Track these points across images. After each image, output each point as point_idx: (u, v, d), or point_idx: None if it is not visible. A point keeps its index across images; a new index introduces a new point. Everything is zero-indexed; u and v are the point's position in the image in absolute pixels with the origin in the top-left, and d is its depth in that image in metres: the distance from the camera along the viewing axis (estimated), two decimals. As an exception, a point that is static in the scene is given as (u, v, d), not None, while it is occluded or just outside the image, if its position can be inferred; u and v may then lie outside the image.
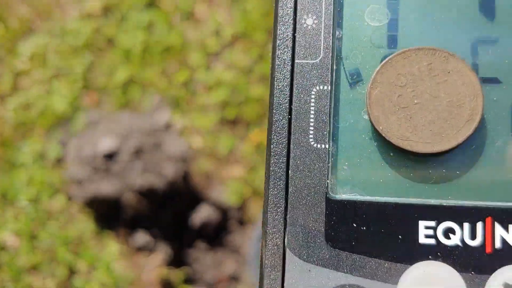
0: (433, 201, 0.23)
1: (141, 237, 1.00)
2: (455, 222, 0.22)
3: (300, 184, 0.23)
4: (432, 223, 0.22)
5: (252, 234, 0.97)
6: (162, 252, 0.99)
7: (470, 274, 0.22)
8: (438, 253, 0.22)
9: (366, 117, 0.24)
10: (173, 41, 1.08)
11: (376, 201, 0.23)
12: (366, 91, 0.24)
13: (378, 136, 0.23)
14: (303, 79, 0.24)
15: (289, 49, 0.24)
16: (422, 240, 0.22)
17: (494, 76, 0.24)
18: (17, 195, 1.02)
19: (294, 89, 0.24)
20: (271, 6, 0.27)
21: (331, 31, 0.24)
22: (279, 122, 0.24)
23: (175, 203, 1.01)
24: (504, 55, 0.24)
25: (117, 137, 1.01)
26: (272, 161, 0.24)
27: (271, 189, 0.23)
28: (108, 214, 1.01)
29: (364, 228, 0.23)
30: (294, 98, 0.24)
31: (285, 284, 0.23)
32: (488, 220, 0.22)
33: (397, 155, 0.23)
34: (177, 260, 0.99)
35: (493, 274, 0.22)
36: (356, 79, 0.24)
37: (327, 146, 0.24)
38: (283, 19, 0.25)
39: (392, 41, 0.24)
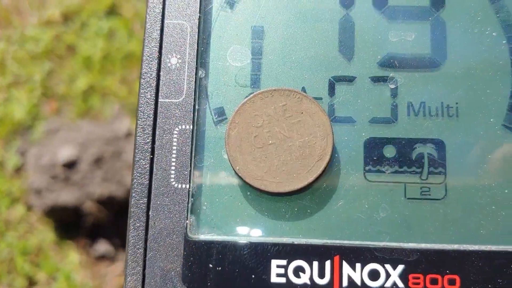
0: (285, 240, 0.23)
1: (102, 246, 1.00)
2: (305, 260, 0.23)
3: (160, 225, 0.24)
4: (283, 262, 0.23)
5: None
6: (123, 261, 0.99)
7: None
8: None
9: (226, 156, 0.24)
10: (133, 48, 1.08)
11: (233, 241, 0.23)
12: (225, 131, 0.24)
13: (237, 176, 0.24)
14: (166, 118, 0.24)
15: (153, 88, 0.24)
16: (273, 279, 0.23)
17: (348, 116, 0.24)
18: (-25, 206, 1.01)
19: (157, 129, 0.24)
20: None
21: (195, 70, 0.25)
22: (141, 161, 0.24)
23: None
24: (359, 95, 0.24)
25: (77, 145, 1.01)
26: (133, 202, 0.24)
27: (131, 231, 0.24)
28: (68, 223, 1.01)
29: (219, 268, 0.23)
30: (156, 138, 0.24)
31: None
32: (336, 258, 0.23)
33: (254, 194, 0.24)
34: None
35: None
36: (220, 118, 0.25)
37: (187, 186, 0.24)
38: (148, 57, 0.25)
39: (255, 81, 0.25)
